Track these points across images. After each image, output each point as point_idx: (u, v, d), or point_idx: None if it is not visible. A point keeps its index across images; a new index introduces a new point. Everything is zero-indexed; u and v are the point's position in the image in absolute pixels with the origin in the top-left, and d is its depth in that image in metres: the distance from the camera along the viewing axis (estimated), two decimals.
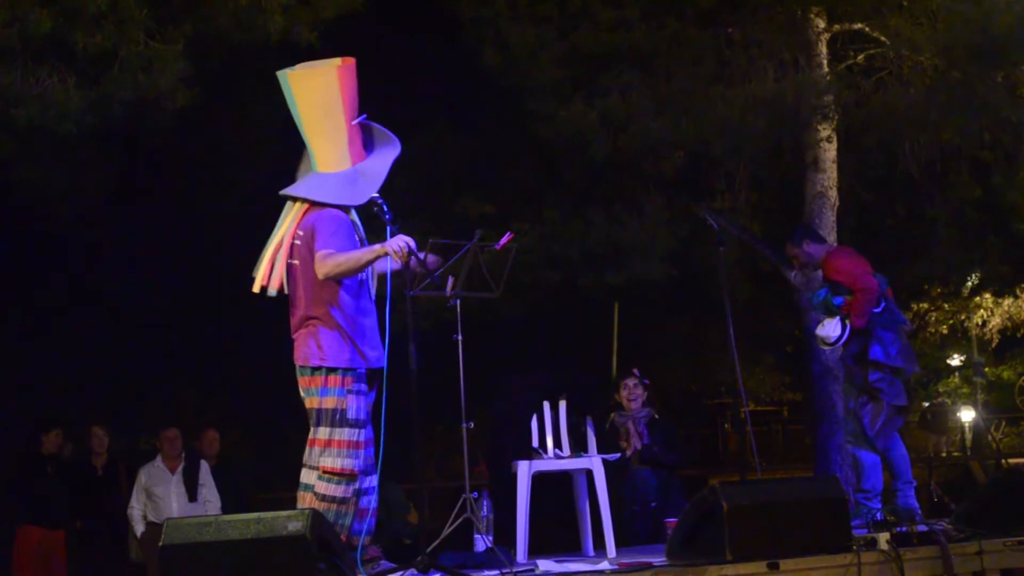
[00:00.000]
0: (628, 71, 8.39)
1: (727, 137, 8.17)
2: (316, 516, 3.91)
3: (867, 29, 8.68)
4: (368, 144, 4.75)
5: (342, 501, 4.39)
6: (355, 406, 4.43)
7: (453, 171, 9.91)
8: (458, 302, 4.92)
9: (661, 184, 9.21)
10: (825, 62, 8.63)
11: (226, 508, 7.78)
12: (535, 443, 5.23)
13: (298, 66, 4.64)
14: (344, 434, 4.40)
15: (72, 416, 9.75)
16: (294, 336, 4.57)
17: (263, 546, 3.82)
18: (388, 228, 4.47)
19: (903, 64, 8.41)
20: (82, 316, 11.59)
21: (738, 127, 8.05)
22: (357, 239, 4.57)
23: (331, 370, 4.42)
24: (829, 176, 8.83)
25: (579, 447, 5.32)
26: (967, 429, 20.28)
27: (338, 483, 4.38)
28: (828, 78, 8.45)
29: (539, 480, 5.17)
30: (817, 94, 8.16)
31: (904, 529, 4.44)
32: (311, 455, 4.45)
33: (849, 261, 5.96)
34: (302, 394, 4.55)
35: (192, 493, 7.78)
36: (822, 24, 8.65)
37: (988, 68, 7.72)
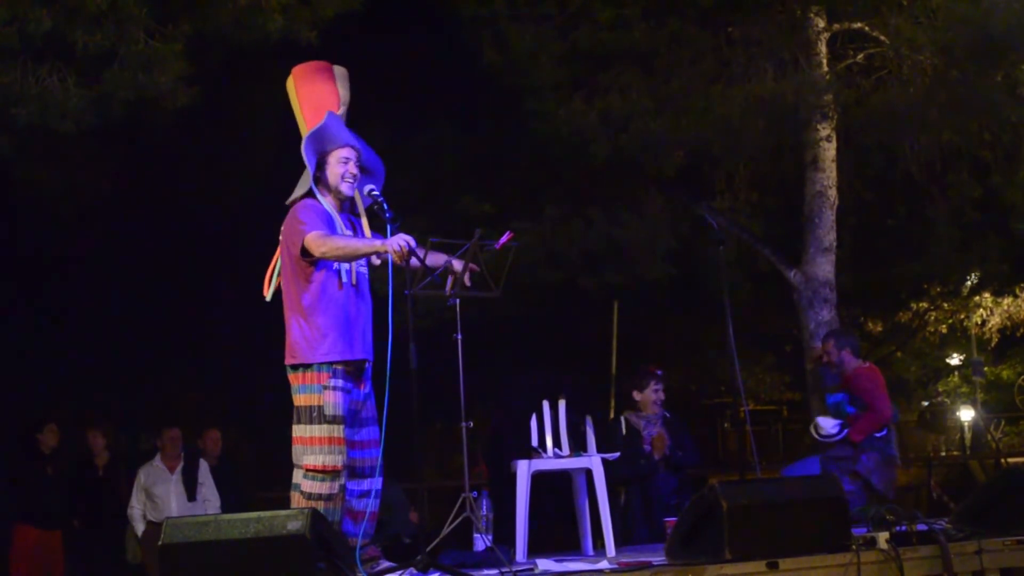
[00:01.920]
0: (628, 70, 8.39)
1: (727, 136, 8.17)
2: (316, 515, 3.91)
3: (867, 28, 8.67)
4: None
5: (328, 498, 4.39)
6: (333, 402, 4.44)
7: (453, 170, 9.91)
8: (458, 301, 4.92)
9: (661, 183, 9.21)
10: (825, 61, 8.63)
11: (227, 507, 7.78)
12: (535, 442, 5.24)
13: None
14: (323, 431, 4.40)
15: (71, 415, 9.74)
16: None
17: (263, 545, 3.82)
18: (388, 226, 4.47)
19: (903, 63, 8.40)
20: (81, 315, 11.59)
21: (738, 126, 8.04)
22: (336, 225, 4.57)
23: (306, 366, 4.44)
24: (829, 175, 8.83)
25: (578, 446, 5.33)
26: (966, 428, 20.29)
27: (322, 480, 4.39)
28: (828, 77, 8.45)
29: (538, 479, 5.18)
30: (817, 93, 8.15)
31: (904, 528, 4.44)
32: (295, 454, 4.48)
33: (874, 384, 6.60)
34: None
35: (191, 492, 7.79)
36: (822, 23, 8.65)
37: (988, 67, 7.71)
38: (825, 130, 8.59)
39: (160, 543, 3.88)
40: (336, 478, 4.41)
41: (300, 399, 4.47)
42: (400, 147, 9.92)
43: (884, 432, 6.38)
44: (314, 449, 4.40)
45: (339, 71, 4.86)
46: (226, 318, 11.40)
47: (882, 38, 8.56)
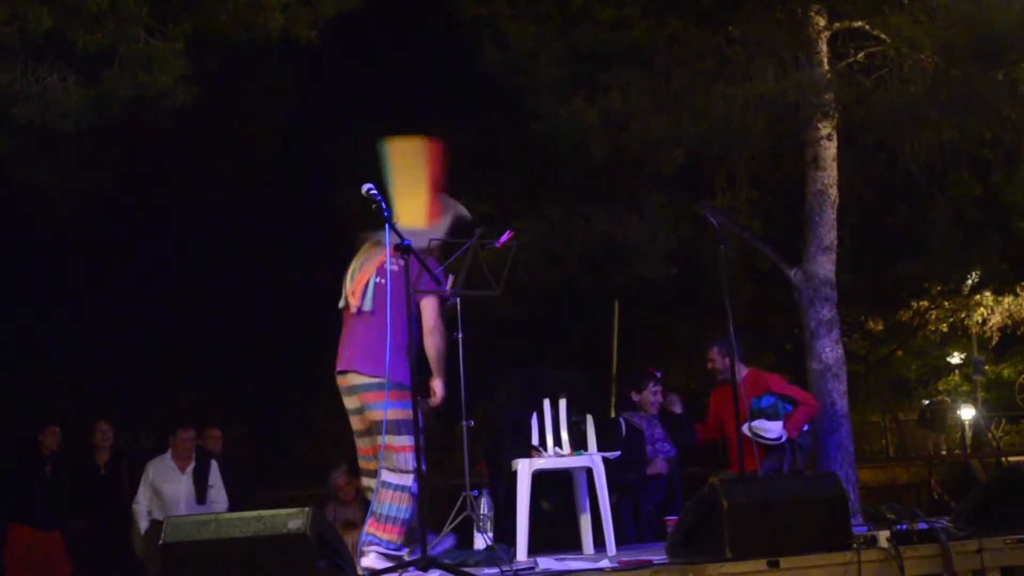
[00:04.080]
0: (628, 69, 8.38)
1: (727, 135, 8.15)
2: (316, 514, 3.91)
3: (867, 27, 8.66)
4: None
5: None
6: None
7: (453, 169, 9.86)
8: (458, 300, 4.93)
9: (661, 182, 9.19)
10: (825, 60, 8.62)
11: (229, 507, 7.74)
12: (535, 441, 5.24)
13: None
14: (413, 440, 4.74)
15: (73, 413, 9.74)
16: (362, 346, 4.88)
17: (264, 544, 3.82)
18: (387, 225, 4.49)
19: (903, 62, 8.39)
20: (82, 313, 11.60)
21: (738, 125, 8.03)
22: None
23: (405, 386, 4.74)
24: (829, 174, 8.82)
25: (579, 445, 5.33)
26: (967, 427, 20.32)
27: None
28: (828, 76, 8.43)
29: (539, 478, 5.18)
30: (817, 92, 8.15)
31: (904, 527, 4.44)
32: (403, 461, 4.79)
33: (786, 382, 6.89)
34: (361, 403, 4.88)
35: (201, 495, 7.69)
36: (822, 22, 8.64)
37: (988, 66, 7.70)
38: (826, 129, 8.58)
39: (161, 542, 3.88)
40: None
41: (407, 413, 4.70)
42: None
43: (807, 427, 6.54)
44: (413, 456, 4.75)
45: None
46: (226, 317, 11.40)
47: (883, 37, 8.55)
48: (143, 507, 7.66)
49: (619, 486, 6.24)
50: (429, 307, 4.91)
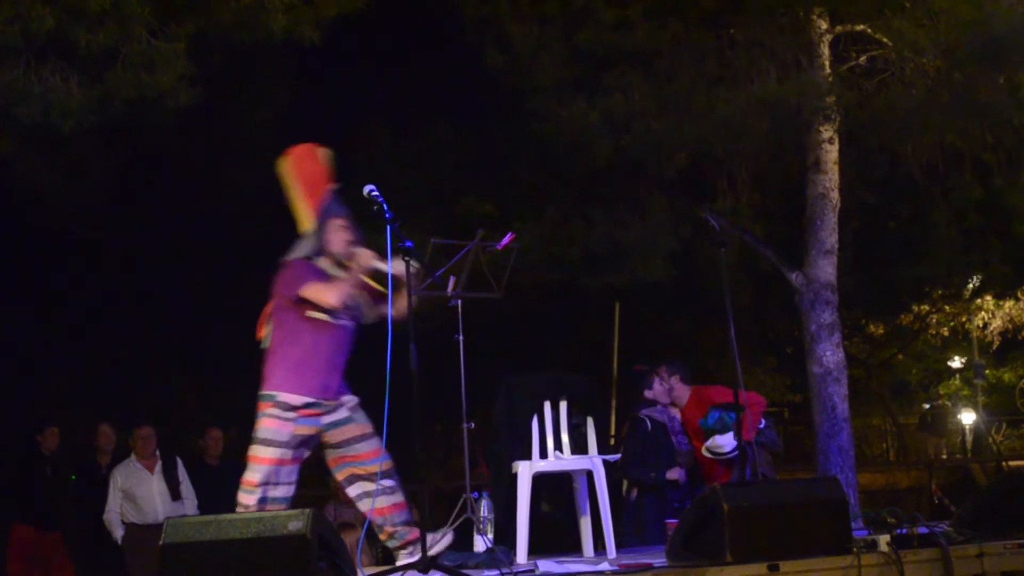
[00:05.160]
0: (630, 71, 8.38)
1: (729, 138, 8.16)
2: (316, 515, 3.91)
3: (869, 31, 8.67)
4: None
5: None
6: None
7: (455, 171, 9.90)
8: (459, 302, 4.93)
9: (663, 185, 9.20)
10: (827, 63, 8.62)
11: (229, 508, 7.71)
12: (535, 444, 5.23)
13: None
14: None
15: (75, 414, 9.74)
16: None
17: (264, 545, 3.82)
18: (388, 227, 4.47)
19: (905, 66, 8.39)
20: (83, 314, 11.60)
21: (740, 128, 8.04)
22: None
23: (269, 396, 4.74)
24: (831, 177, 8.82)
25: (579, 448, 5.32)
26: (968, 431, 20.32)
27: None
28: (830, 79, 8.44)
29: (539, 480, 5.17)
30: (819, 95, 8.15)
31: (905, 531, 4.44)
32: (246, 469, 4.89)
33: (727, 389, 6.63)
34: None
35: (175, 491, 7.63)
36: (824, 25, 8.64)
37: (990, 70, 7.71)
38: (827, 132, 8.58)
39: (161, 543, 3.88)
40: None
41: (257, 422, 4.79)
42: (402, 147, 9.93)
43: (763, 423, 6.45)
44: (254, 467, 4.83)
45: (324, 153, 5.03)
46: (227, 317, 11.39)
47: (885, 40, 8.55)
48: (115, 515, 7.56)
49: (643, 483, 6.24)
50: (311, 292, 4.60)
